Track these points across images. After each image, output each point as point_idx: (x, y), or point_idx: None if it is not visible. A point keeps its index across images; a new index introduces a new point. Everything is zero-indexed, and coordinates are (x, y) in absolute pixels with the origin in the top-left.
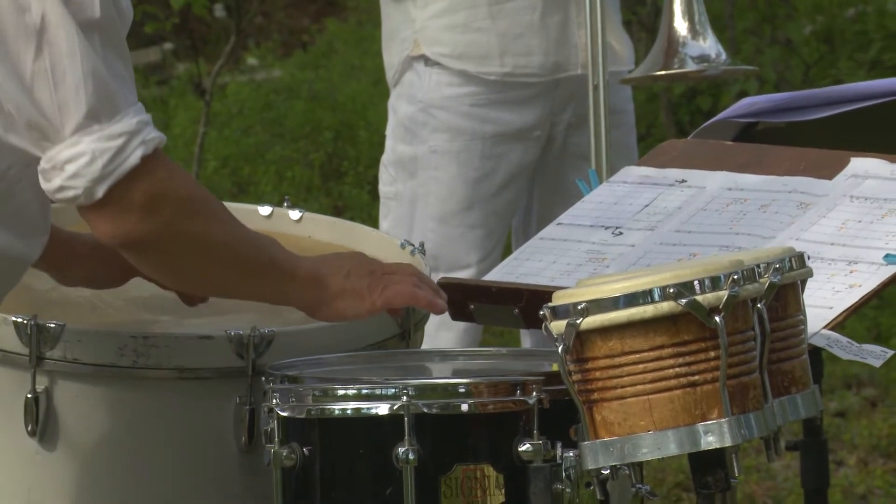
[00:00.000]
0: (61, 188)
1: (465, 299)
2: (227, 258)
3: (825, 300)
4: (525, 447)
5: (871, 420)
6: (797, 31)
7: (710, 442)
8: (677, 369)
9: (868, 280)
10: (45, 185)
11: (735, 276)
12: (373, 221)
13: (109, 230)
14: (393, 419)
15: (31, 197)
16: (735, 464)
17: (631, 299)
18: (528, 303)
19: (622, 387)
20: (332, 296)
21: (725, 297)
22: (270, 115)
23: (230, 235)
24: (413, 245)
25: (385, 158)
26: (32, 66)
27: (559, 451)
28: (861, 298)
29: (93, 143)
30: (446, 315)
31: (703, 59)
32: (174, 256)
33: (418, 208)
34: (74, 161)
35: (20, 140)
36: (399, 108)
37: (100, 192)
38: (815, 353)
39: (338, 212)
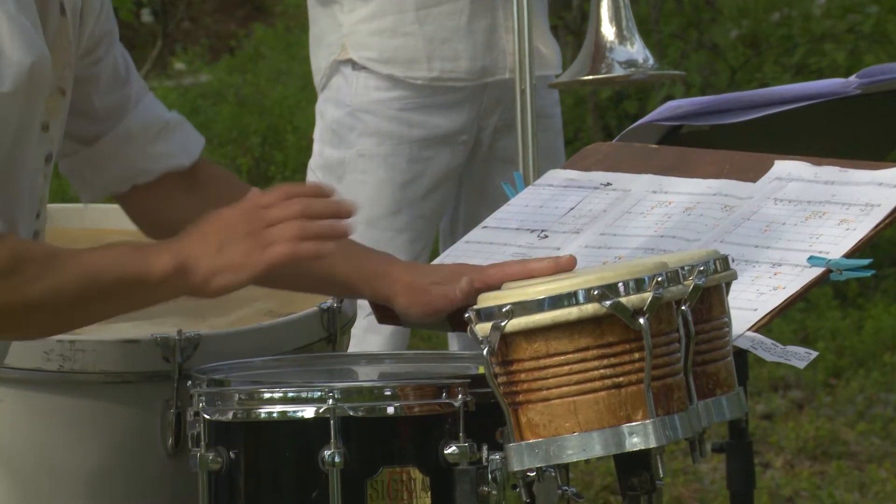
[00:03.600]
0: None
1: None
2: (62, 305)
3: (749, 302)
4: (451, 450)
5: (798, 422)
6: (723, 35)
7: (634, 443)
8: (602, 371)
9: (792, 282)
10: None
11: (659, 279)
12: None
13: None
14: (319, 422)
15: None
16: (660, 465)
17: (556, 301)
18: None
19: (547, 388)
20: (205, 279)
21: (650, 299)
22: (198, 119)
23: (52, 288)
24: None
25: (312, 163)
26: None
27: (485, 454)
28: (785, 300)
29: None
30: (374, 319)
31: (630, 63)
32: (8, 324)
33: None
34: None
35: None
36: (326, 112)
37: None
38: (741, 355)
39: None
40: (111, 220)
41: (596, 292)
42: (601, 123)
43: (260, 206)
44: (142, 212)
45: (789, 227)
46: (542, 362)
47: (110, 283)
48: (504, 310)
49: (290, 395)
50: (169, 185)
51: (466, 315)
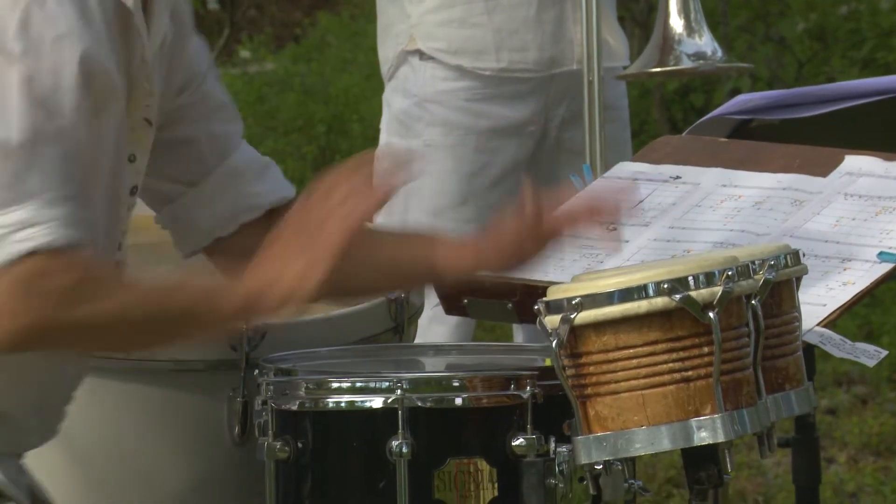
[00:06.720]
0: None
1: (458, 294)
2: (133, 328)
3: (819, 297)
4: (518, 441)
5: (862, 418)
6: (790, 28)
7: (703, 437)
8: (671, 364)
9: (862, 278)
10: None
11: (729, 273)
12: None
13: None
14: (387, 412)
15: None
16: (728, 459)
17: (625, 294)
18: (522, 297)
19: (616, 382)
20: (277, 305)
21: (720, 293)
22: (263, 108)
23: (129, 308)
24: None
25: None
26: None
27: (552, 446)
28: (855, 296)
29: None
30: (440, 309)
31: (698, 56)
32: (72, 340)
33: (412, 202)
34: None
35: None
36: (394, 102)
37: None
38: (808, 350)
39: None
40: None
41: (666, 286)
42: (667, 115)
43: (306, 216)
44: (243, 252)
45: (859, 223)
46: (611, 355)
47: (176, 314)
48: (573, 302)
49: (359, 384)
50: (272, 221)
51: (536, 307)
